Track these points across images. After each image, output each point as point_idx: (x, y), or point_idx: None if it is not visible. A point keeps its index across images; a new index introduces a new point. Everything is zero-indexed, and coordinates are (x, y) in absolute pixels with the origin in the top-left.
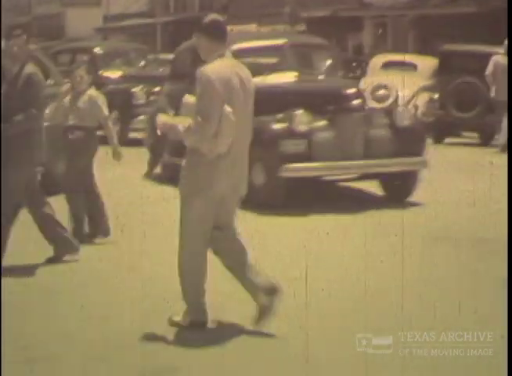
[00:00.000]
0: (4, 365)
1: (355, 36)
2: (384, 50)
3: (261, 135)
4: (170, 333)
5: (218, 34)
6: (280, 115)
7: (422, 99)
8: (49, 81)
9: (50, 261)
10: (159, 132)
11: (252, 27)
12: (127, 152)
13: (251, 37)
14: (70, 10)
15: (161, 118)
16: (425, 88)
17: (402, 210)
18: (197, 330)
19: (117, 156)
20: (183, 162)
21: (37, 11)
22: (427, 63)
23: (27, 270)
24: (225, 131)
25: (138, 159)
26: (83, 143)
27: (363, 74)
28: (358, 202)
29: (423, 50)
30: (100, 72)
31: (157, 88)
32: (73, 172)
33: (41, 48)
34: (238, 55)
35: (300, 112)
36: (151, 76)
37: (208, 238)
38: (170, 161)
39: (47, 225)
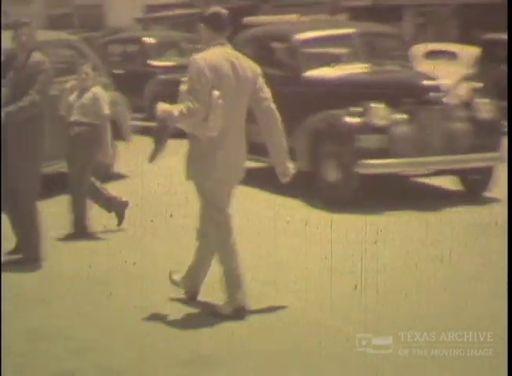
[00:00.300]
0: (49, 357)
1: (396, 25)
2: (424, 40)
3: (333, 129)
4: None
5: (217, 26)
6: (355, 108)
7: (464, 89)
8: None
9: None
10: (158, 119)
11: (293, 17)
12: (176, 144)
13: (318, 25)
14: (110, 0)
15: (160, 106)
16: (467, 78)
17: (480, 206)
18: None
19: (108, 159)
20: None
21: (78, 1)
22: (468, 52)
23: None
24: (214, 115)
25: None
26: (83, 139)
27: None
28: (435, 198)
29: (464, 39)
30: (150, 62)
31: None
32: (74, 167)
33: (82, 39)
34: (305, 45)
35: (380, 105)
36: None
37: (228, 218)
38: None
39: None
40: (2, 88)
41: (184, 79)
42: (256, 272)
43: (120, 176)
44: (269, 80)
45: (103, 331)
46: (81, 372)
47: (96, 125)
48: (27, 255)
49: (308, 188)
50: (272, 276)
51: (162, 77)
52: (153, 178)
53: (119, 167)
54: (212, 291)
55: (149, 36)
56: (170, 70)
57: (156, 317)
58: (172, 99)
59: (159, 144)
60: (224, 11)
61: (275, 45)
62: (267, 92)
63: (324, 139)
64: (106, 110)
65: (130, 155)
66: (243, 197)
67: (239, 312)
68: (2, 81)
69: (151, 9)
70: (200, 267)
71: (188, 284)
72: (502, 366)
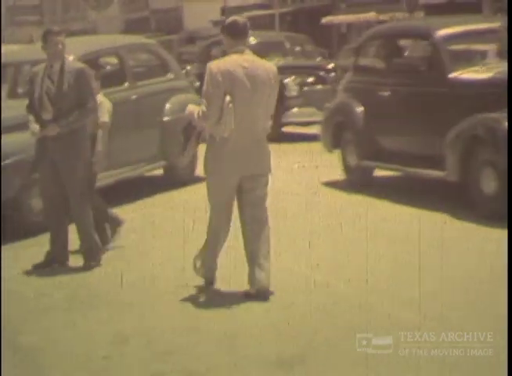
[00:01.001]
0: (132, 360)
1: None
2: None
3: (489, 134)
4: None
5: (234, 33)
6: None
7: None
8: (169, 75)
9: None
10: (187, 120)
11: (371, 15)
12: (279, 148)
13: (462, 20)
14: (187, 4)
15: (188, 107)
16: None
17: None
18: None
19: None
20: None
21: (154, 6)
22: None
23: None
24: (225, 118)
25: (291, 157)
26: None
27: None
28: None
29: None
30: None
31: (311, 79)
32: None
33: (159, 42)
34: (448, 41)
35: None
36: (304, 66)
37: (226, 210)
38: None
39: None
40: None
41: (287, 81)
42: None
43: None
44: (396, 79)
45: (189, 334)
46: (167, 375)
47: (92, 133)
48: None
49: (458, 200)
50: None
51: None
52: None
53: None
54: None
55: (252, 36)
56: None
57: (241, 319)
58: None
59: (190, 142)
60: (242, 20)
61: (404, 42)
62: (275, 99)
63: (481, 145)
64: (106, 119)
65: None
66: (380, 210)
67: (261, 293)
68: (28, 89)
69: (229, 10)
70: (216, 254)
71: (206, 272)
72: (502, 366)
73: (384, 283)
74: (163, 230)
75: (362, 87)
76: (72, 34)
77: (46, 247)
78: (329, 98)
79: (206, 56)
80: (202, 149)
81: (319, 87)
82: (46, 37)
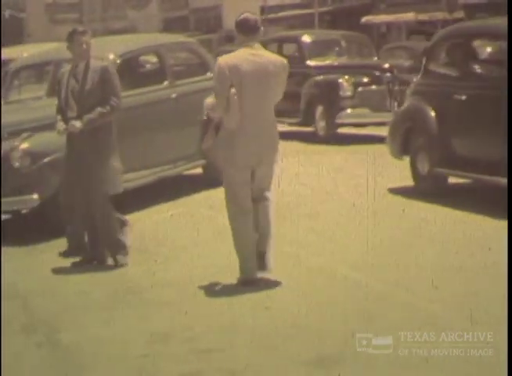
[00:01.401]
0: (172, 356)
1: None
2: None
3: None
4: None
5: (245, 30)
6: None
7: None
8: (209, 74)
9: None
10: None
11: (410, 15)
12: (338, 151)
13: None
14: (227, 2)
15: (206, 100)
16: None
17: None
18: (248, 286)
19: None
20: None
21: (194, 4)
22: None
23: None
24: (231, 110)
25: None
26: None
27: None
28: None
29: None
30: (308, 62)
31: (366, 79)
32: None
33: (198, 41)
34: None
35: None
36: (359, 65)
37: (245, 199)
38: None
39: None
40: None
41: (342, 80)
42: None
43: None
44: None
45: (227, 333)
46: (205, 374)
47: None
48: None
49: None
50: None
51: (319, 78)
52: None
53: None
54: None
55: (307, 34)
56: (328, 70)
57: (278, 317)
58: (328, 102)
59: (208, 133)
60: (253, 17)
61: (479, 43)
62: (283, 88)
63: None
64: None
65: None
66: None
67: (246, 282)
68: (56, 89)
69: (268, 9)
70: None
71: (244, 269)
72: (502, 366)
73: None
74: (200, 228)
75: (435, 90)
76: (111, 32)
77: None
78: (384, 99)
79: None
80: None
81: (374, 87)
82: (71, 37)
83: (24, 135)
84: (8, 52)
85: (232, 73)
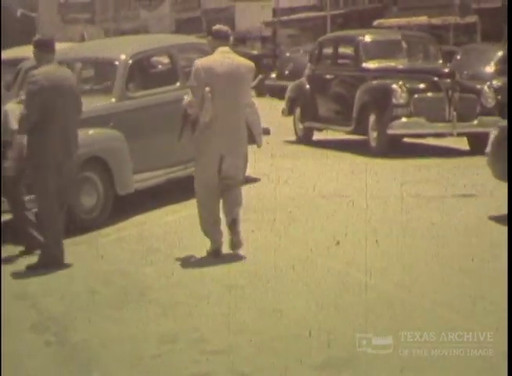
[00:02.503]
0: (180, 356)
1: None
2: None
3: None
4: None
5: (218, 37)
6: None
7: None
8: None
9: None
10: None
11: (423, 19)
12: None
13: None
14: (239, 4)
15: (185, 98)
16: None
17: None
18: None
19: None
20: None
21: (206, 5)
22: None
23: None
24: (205, 106)
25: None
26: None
27: None
28: None
29: None
30: (365, 65)
31: (423, 85)
32: None
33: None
34: None
35: None
36: (417, 70)
37: (210, 186)
38: None
39: None
40: None
41: (395, 86)
42: None
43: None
44: None
45: (237, 334)
46: (215, 375)
47: (6, 141)
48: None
49: None
50: None
51: (373, 83)
52: (284, 182)
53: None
54: None
55: (365, 34)
56: (383, 74)
57: (288, 319)
58: (380, 110)
59: (185, 127)
60: (225, 28)
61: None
62: (250, 87)
63: None
64: (14, 126)
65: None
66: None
67: (215, 253)
68: None
69: (280, 12)
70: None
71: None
72: (502, 366)
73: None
74: None
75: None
76: (123, 32)
77: (95, 244)
78: (442, 108)
79: (318, 57)
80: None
81: (431, 94)
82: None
83: None
84: (20, 51)
85: (207, 74)
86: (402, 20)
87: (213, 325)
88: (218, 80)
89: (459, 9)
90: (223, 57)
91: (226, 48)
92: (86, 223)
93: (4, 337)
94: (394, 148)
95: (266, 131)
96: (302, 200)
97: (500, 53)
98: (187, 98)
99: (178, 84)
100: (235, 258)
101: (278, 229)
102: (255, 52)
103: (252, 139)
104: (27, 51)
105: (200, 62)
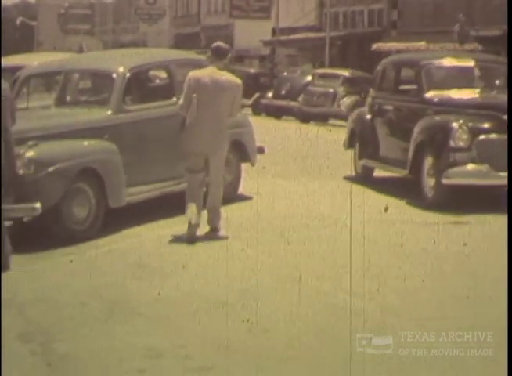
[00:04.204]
0: (166, 371)
1: None
2: None
3: None
4: None
5: (218, 54)
6: None
7: None
8: None
9: None
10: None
11: (422, 45)
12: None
13: None
14: (239, 22)
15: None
16: None
17: None
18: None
19: None
20: None
21: (205, 22)
22: None
23: None
24: (191, 109)
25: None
26: None
27: None
28: None
29: None
30: (428, 94)
31: (489, 124)
32: None
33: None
34: None
35: None
36: (485, 104)
37: (198, 178)
38: None
39: None
40: None
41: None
42: None
43: (244, 198)
44: None
45: (223, 352)
46: None
47: None
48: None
49: None
50: None
51: (432, 118)
52: (277, 200)
53: (244, 189)
54: None
55: (432, 59)
56: (446, 107)
57: (275, 338)
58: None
59: (183, 126)
60: (225, 46)
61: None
62: (237, 103)
63: None
64: None
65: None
66: None
67: (214, 230)
68: None
69: (280, 31)
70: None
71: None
72: (502, 366)
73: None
74: (202, 246)
75: None
76: (122, 45)
77: (86, 254)
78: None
79: (380, 82)
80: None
81: (496, 136)
82: None
83: (30, 143)
84: (18, 59)
85: (195, 83)
86: (401, 45)
87: (200, 341)
88: (203, 89)
89: (459, 36)
90: (213, 72)
91: (220, 65)
92: (77, 234)
93: None
94: (455, 201)
95: (260, 150)
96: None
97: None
98: (180, 101)
99: (174, 99)
100: (225, 274)
101: None
102: (253, 71)
103: (247, 158)
104: (25, 58)
105: (193, 73)
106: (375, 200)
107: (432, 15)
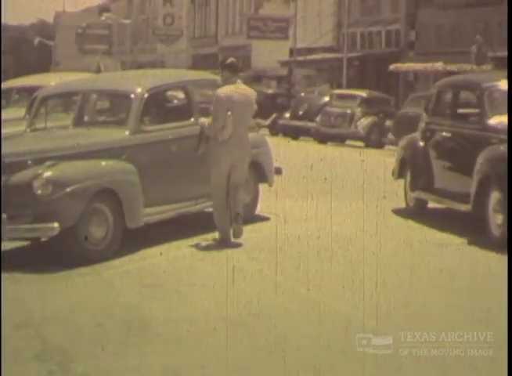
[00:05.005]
0: None
1: None
2: None
3: None
4: None
5: (232, 70)
6: None
7: None
8: None
9: None
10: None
11: (439, 66)
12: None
13: None
14: (256, 42)
15: (201, 119)
16: None
17: None
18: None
19: None
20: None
21: (223, 42)
22: None
23: None
24: (227, 126)
25: None
26: None
27: None
28: None
29: None
30: (489, 120)
31: None
32: None
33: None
34: None
35: None
36: None
37: (224, 188)
38: None
39: None
40: None
41: None
42: None
43: (262, 218)
44: None
45: (239, 371)
46: None
47: None
48: None
49: None
50: None
51: (499, 148)
52: (295, 222)
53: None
54: None
55: (495, 80)
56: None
57: (292, 357)
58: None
59: (201, 143)
60: (235, 61)
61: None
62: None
63: None
64: None
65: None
66: None
67: (223, 240)
68: None
69: (297, 52)
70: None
71: (222, 233)
72: (502, 366)
73: None
74: (218, 267)
75: None
76: (140, 65)
77: (102, 274)
78: None
79: (435, 106)
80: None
81: None
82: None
83: (48, 163)
84: (35, 80)
85: (229, 101)
86: (418, 65)
87: (217, 362)
88: (237, 106)
89: (476, 56)
90: (236, 87)
91: (236, 80)
92: (94, 254)
93: (7, 365)
94: None
95: (278, 171)
96: None
97: None
98: (203, 119)
99: (192, 119)
100: (242, 294)
101: None
102: (270, 91)
103: (264, 178)
104: (43, 79)
105: (221, 91)
106: (431, 235)
107: (449, 35)
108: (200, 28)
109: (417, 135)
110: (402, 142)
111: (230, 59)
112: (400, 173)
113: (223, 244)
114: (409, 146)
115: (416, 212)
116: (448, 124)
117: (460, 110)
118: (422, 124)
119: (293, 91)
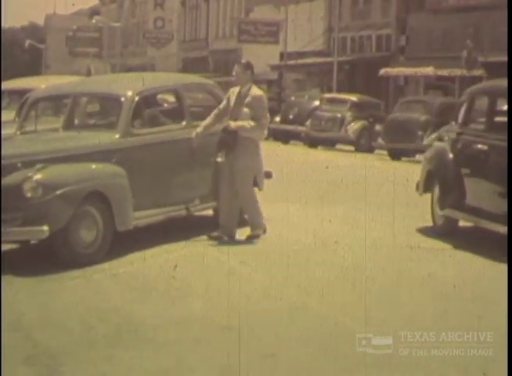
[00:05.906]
0: None
1: None
2: None
3: None
4: None
5: (248, 67)
6: None
7: None
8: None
9: None
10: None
11: (429, 70)
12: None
13: None
14: (247, 46)
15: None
16: None
17: None
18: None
19: None
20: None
21: (213, 46)
22: None
23: None
24: (266, 125)
25: None
26: None
27: None
28: None
29: None
30: None
31: None
32: None
33: (216, 83)
34: None
35: None
36: None
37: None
38: None
39: None
40: None
41: None
42: None
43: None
44: None
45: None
46: None
47: None
48: None
49: None
50: None
51: None
52: (288, 226)
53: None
54: None
55: None
56: None
57: (282, 362)
58: None
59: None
60: (250, 62)
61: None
62: None
63: None
64: None
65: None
66: None
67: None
68: None
69: (287, 56)
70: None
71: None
72: (502, 366)
73: None
74: (209, 270)
75: None
76: (130, 68)
77: (92, 277)
78: None
79: (467, 115)
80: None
81: None
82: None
83: (38, 166)
84: (26, 82)
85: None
86: (408, 70)
87: (207, 366)
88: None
89: (467, 61)
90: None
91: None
92: (84, 257)
93: None
94: None
95: (268, 175)
96: None
97: None
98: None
99: (183, 123)
100: (232, 299)
101: None
102: None
103: (254, 182)
104: (33, 81)
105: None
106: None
107: (440, 40)
108: (191, 32)
109: (445, 145)
110: (428, 154)
111: (246, 60)
112: (426, 187)
113: (221, 240)
114: (437, 159)
115: (446, 233)
116: (483, 135)
117: (498, 119)
118: (451, 135)
119: (284, 95)
